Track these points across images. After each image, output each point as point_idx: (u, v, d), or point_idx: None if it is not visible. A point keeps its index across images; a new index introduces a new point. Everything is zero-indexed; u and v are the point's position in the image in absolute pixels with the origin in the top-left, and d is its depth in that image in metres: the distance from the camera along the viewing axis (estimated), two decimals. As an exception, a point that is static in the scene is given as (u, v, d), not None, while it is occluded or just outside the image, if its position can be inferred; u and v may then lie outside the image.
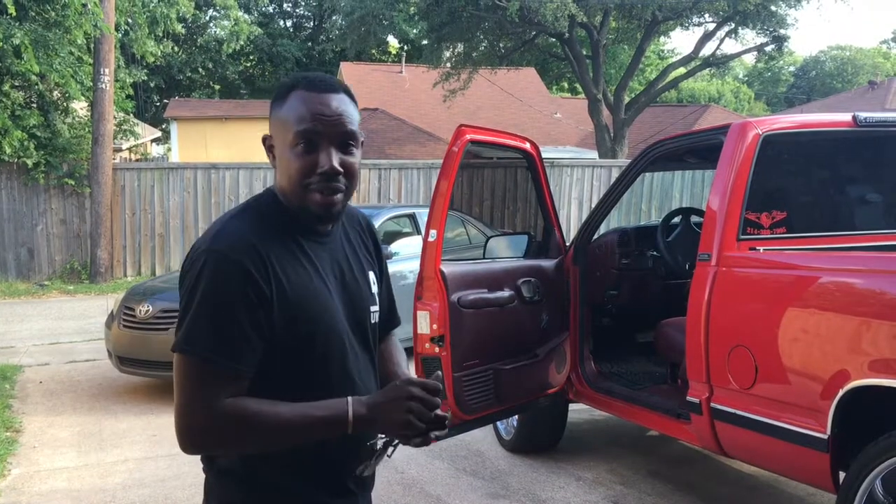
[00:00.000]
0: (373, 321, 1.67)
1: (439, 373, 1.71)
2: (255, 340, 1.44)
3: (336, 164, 1.49)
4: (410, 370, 1.83)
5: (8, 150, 12.39)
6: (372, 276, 1.70)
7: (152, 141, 25.66)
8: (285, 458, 1.51)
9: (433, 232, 4.00)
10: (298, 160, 1.49)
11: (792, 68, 52.73)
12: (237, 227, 1.49)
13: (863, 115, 3.85)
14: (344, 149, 1.51)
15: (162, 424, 5.81)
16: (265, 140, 1.58)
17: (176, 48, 28.38)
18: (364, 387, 1.60)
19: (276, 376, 1.49)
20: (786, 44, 19.93)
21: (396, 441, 1.55)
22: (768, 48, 20.31)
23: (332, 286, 1.56)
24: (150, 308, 6.46)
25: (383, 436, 1.58)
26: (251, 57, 34.28)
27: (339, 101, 1.52)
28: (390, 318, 1.83)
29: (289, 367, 1.50)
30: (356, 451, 1.59)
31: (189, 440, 1.44)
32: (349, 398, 1.47)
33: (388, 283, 1.80)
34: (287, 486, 1.52)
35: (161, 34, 16.96)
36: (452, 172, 4.02)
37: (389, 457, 1.60)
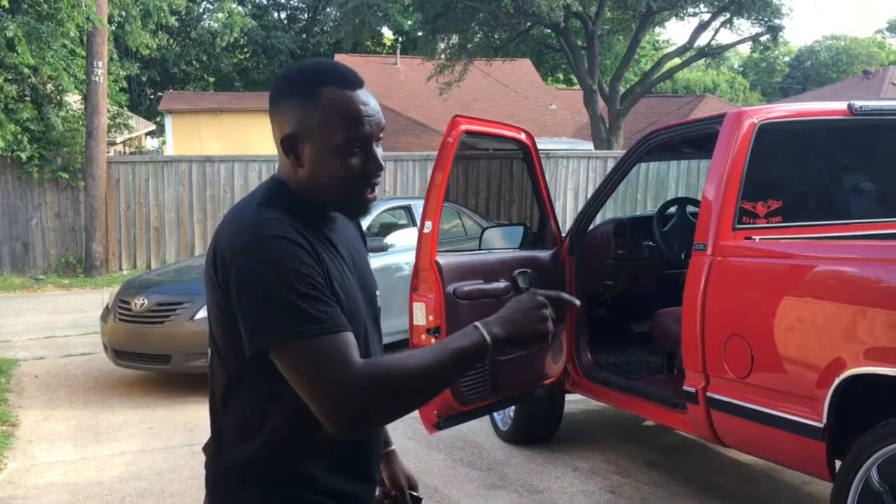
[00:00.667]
0: (379, 304, 1.66)
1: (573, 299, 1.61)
2: (334, 300, 1.38)
3: (381, 161, 1.49)
4: None
5: (1, 144, 12.34)
6: (369, 260, 1.70)
7: (147, 134, 25.61)
8: (304, 449, 1.45)
9: (428, 223, 4.00)
10: (348, 165, 1.45)
11: (787, 58, 52.73)
12: (270, 213, 1.41)
13: (858, 103, 3.85)
14: (378, 143, 1.50)
15: (158, 417, 5.81)
16: (287, 140, 1.46)
17: (170, 41, 28.25)
18: None
19: None
20: (781, 34, 19.95)
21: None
22: (763, 38, 20.32)
23: (351, 270, 1.53)
24: (146, 301, 6.45)
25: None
26: (245, 49, 34.17)
27: (370, 96, 1.48)
28: None
29: None
30: (378, 438, 1.59)
31: (350, 415, 1.32)
32: (475, 323, 1.40)
33: None
34: (307, 476, 1.46)
35: (155, 27, 16.89)
36: (447, 163, 4.01)
37: None
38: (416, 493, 1.75)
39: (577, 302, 1.53)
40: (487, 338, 1.38)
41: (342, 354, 1.33)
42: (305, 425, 1.40)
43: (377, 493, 1.62)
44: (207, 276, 1.44)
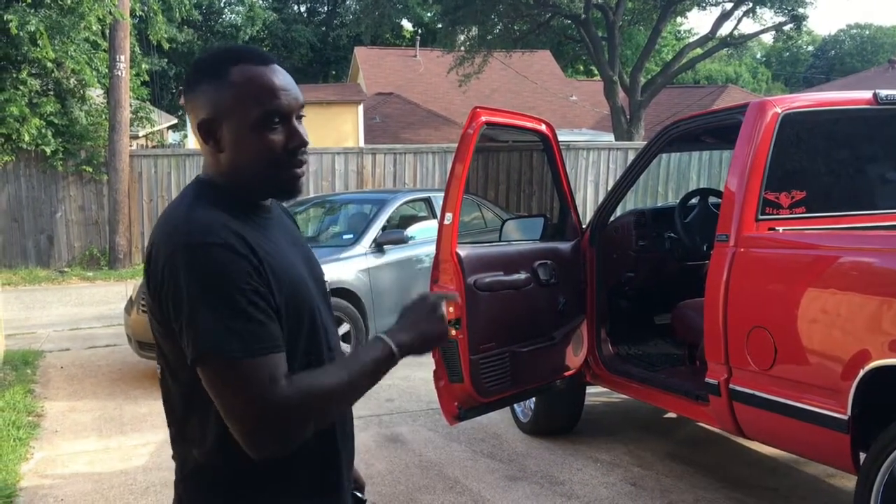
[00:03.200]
0: (328, 290, 1.63)
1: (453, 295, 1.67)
2: (272, 316, 1.34)
3: (304, 136, 1.45)
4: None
5: (26, 138, 12.49)
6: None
7: (169, 128, 25.74)
8: (264, 466, 1.39)
9: (449, 215, 3.99)
10: (266, 139, 1.40)
11: (811, 48, 52.15)
12: (204, 214, 1.36)
13: (884, 92, 3.79)
14: (299, 120, 1.46)
15: (181, 408, 5.85)
16: (203, 125, 1.41)
17: (193, 34, 28.42)
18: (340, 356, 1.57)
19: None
20: (804, 23, 19.74)
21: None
22: (787, 27, 20.12)
23: (296, 258, 1.50)
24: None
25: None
26: (266, 42, 34.28)
27: (284, 72, 1.45)
28: None
29: (287, 343, 1.39)
30: (341, 444, 1.54)
31: (264, 438, 1.31)
32: (380, 334, 1.45)
33: None
34: (271, 486, 1.43)
35: (177, 21, 16.98)
36: (468, 155, 4.01)
37: None
38: (359, 495, 1.68)
39: (457, 296, 1.61)
40: (394, 347, 1.44)
41: (265, 377, 1.30)
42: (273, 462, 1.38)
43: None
44: (144, 285, 1.41)
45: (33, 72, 13.14)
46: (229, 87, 1.40)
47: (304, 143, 1.45)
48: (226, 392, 1.30)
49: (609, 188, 6.08)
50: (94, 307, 10.28)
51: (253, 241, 1.37)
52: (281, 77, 1.43)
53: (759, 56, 53.38)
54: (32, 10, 11.96)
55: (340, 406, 1.44)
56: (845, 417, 3.02)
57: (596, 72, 23.82)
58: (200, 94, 1.43)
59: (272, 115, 1.41)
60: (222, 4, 31.97)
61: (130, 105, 14.17)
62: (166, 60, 25.82)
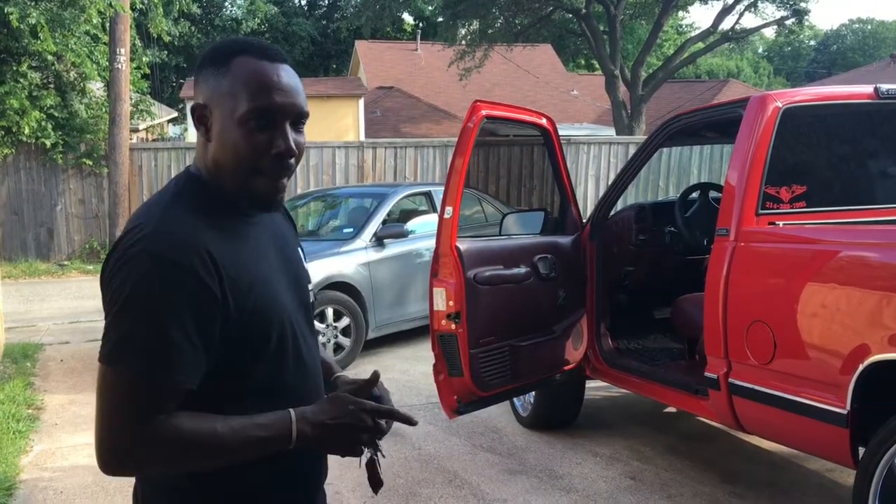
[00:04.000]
0: (312, 299, 1.57)
1: (377, 371, 1.51)
2: (200, 350, 1.28)
3: (293, 144, 1.36)
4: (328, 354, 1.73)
5: (26, 131, 12.48)
6: (301, 252, 1.60)
7: (169, 121, 25.72)
8: (239, 474, 1.38)
9: (448, 209, 3.99)
10: (251, 137, 1.33)
11: (812, 42, 52.05)
12: (175, 221, 1.31)
13: (885, 87, 3.79)
14: (296, 127, 1.38)
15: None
16: (196, 109, 1.38)
17: (192, 28, 28.37)
18: (314, 369, 1.51)
19: (230, 375, 1.35)
20: (806, 17, 19.70)
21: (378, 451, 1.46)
22: (788, 22, 20.09)
23: (275, 266, 1.44)
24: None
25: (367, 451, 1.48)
26: (266, 36, 34.21)
27: (291, 74, 1.38)
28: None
29: (245, 361, 1.36)
30: (318, 465, 1.53)
31: (112, 462, 1.28)
32: (292, 412, 1.34)
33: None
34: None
35: (177, 14, 16.95)
36: (468, 149, 4.00)
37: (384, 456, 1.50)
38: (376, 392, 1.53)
39: (415, 422, 1.44)
40: (294, 434, 1.33)
41: (147, 406, 1.25)
42: (232, 470, 1.37)
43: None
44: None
45: (33, 64, 13.12)
46: (227, 76, 1.35)
47: (291, 153, 1.36)
48: (107, 399, 1.28)
49: (610, 183, 6.07)
50: (94, 300, 10.26)
51: (220, 256, 1.31)
52: (284, 78, 1.36)
53: (760, 51, 53.28)
54: (33, 3, 11.93)
55: (205, 462, 1.32)
56: (844, 412, 3.02)
57: (597, 66, 23.78)
58: (201, 79, 1.39)
59: (261, 112, 1.33)
60: (223, -2, 31.96)
61: (131, 98, 14.15)
62: (166, 53, 25.79)
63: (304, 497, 1.51)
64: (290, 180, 1.41)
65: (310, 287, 1.57)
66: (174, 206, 1.35)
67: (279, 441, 1.33)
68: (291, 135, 1.36)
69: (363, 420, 1.37)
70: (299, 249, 1.60)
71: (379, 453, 1.46)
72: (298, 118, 1.38)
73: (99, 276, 1.37)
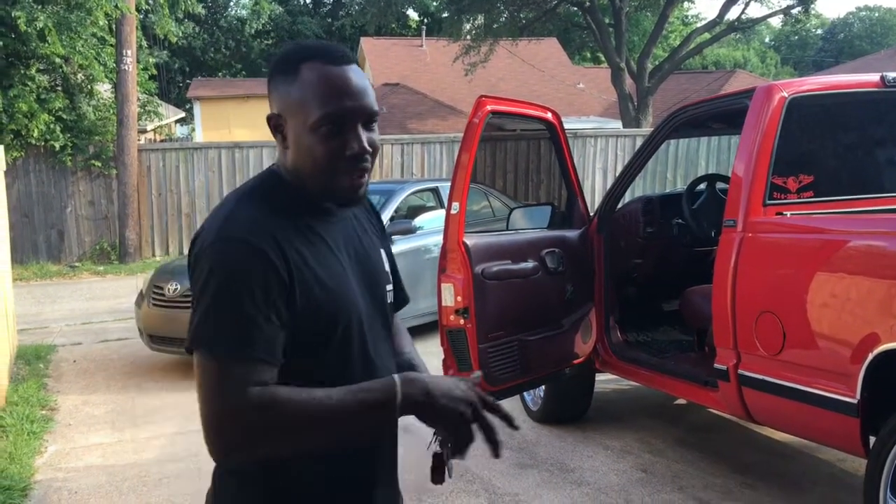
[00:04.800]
0: (389, 300, 1.58)
1: (478, 373, 1.49)
2: (277, 329, 1.31)
3: (366, 145, 1.38)
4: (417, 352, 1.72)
5: (35, 134, 12.54)
6: (383, 254, 1.62)
7: (176, 122, 25.80)
8: (308, 468, 1.40)
9: (455, 204, 4.00)
10: (325, 143, 1.36)
11: (819, 31, 51.76)
12: (247, 211, 1.36)
13: (891, 75, 3.77)
14: (368, 127, 1.39)
15: (193, 400, 5.82)
16: (272, 119, 1.42)
17: (197, 28, 28.44)
18: (385, 370, 1.48)
19: (295, 367, 1.35)
20: (813, 6, 19.57)
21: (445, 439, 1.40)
22: (795, 11, 19.97)
23: (348, 265, 1.45)
24: (179, 286, 6.54)
25: (437, 438, 1.43)
26: (271, 35, 34.28)
27: (359, 75, 1.39)
28: (400, 296, 1.70)
29: (309, 355, 1.38)
30: (383, 463, 1.52)
31: (219, 445, 1.28)
32: (395, 376, 1.33)
33: (394, 263, 1.68)
34: (307, 497, 1.42)
35: (182, 14, 16.99)
36: (473, 144, 4.01)
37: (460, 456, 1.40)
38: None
39: (516, 427, 1.42)
40: (399, 397, 1.30)
41: (238, 382, 1.27)
42: (304, 461, 1.38)
43: None
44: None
45: (41, 68, 13.17)
46: (296, 85, 1.38)
47: (365, 152, 1.39)
48: (201, 385, 1.30)
49: (617, 175, 6.07)
50: (106, 301, 10.34)
51: (290, 246, 1.35)
52: (351, 80, 1.38)
53: (767, 40, 53.02)
54: (40, 7, 11.97)
55: (316, 432, 1.31)
56: (855, 401, 3.02)
57: (603, 59, 23.72)
58: (273, 88, 1.42)
59: (332, 118, 1.35)
60: (229, -1, 32.02)
61: (138, 99, 14.19)
62: (168, 54, 25.84)
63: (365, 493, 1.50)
64: (370, 176, 1.44)
65: (388, 288, 1.58)
66: (248, 198, 1.40)
67: (384, 405, 1.30)
68: (364, 134, 1.38)
69: (471, 401, 1.35)
70: (382, 252, 1.61)
71: (452, 450, 1.39)
72: (369, 118, 1.40)
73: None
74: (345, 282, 1.43)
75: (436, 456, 1.43)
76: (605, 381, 5.48)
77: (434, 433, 1.43)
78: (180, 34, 16.88)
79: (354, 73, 1.39)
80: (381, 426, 1.41)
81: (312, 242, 1.40)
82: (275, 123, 1.42)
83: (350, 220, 1.53)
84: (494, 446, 1.39)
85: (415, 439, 1.56)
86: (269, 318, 1.30)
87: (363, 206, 1.61)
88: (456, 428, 1.35)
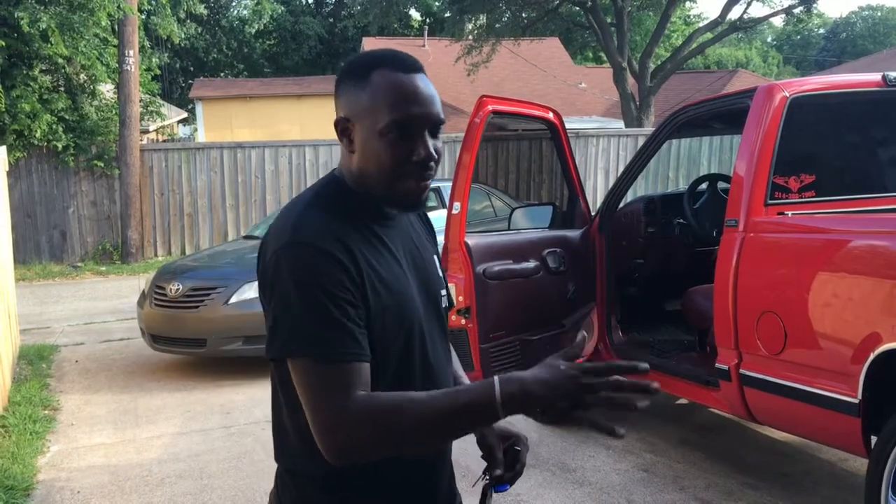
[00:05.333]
0: (444, 305, 1.59)
1: (584, 334, 1.46)
2: (361, 326, 1.33)
3: (433, 151, 1.40)
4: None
5: (38, 134, 12.55)
6: (436, 260, 1.63)
7: (179, 122, 25.82)
8: (368, 473, 1.41)
9: (457, 204, 4.01)
10: (393, 148, 1.38)
11: (822, 31, 51.70)
12: (314, 216, 1.38)
13: (893, 74, 3.77)
14: (434, 134, 1.42)
15: (195, 400, 5.90)
16: (340, 123, 1.44)
17: (199, 29, 28.46)
18: (443, 374, 1.52)
19: None
20: (815, 5, 19.54)
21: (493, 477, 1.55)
22: (797, 10, 19.94)
23: (408, 270, 1.47)
24: (181, 287, 6.54)
25: (486, 476, 1.56)
26: (273, 35, 34.30)
27: (427, 84, 1.42)
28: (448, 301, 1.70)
29: (374, 359, 1.37)
30: (443, 470, 1.56)
31: (334, 448, 1.30)
32: (496, 378, 1.29)
33: (442, 268, 1.70)
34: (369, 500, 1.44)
35: (184, 15, 17.00)
36: (475, 144, 4.02)
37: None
38: (516, 448, 1.64)
39: (656, 385, 1.28)
40: (497, 395, 1.26)
41: (342, 384, 1.29)
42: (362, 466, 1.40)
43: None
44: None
45: (44, 68, 13.19)
46: (367, 90, 1.40)
47: (431, 158, 1.41)
48: (304, 392, 1.31)
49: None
50: (108, 301, 10.35)
51: (357, 250, 1.37)
52: (420, 88, 1.40)
53: (769, 40, 52.98)
54: (42, 7, 11.99)
55: (418, 438, 1.32)
56: (856, 401, 3.02)
57: (605, 58, 23.70)
58: (342, 92, 1.45)
59: (402, 124, 1.38)
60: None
61: (140, 100, 14.21)
62: (170, 55, 25.86)
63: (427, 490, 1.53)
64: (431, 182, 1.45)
65: (443, 293, 1.59)
66: (313, 204, 1.42)
67: (487, 405, 1.26)
68: (430, 142, 1.41)
69: (573, 384, 1.27)
70: (434, 257, 1.62)
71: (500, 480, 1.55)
72: (436, 126, 1.42)
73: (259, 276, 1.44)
74: (407, 287, 1.45)
75: (484, 490, 1.58)
76: (607, 380, 5.47)
77: (483, 470, 1.57)
78: (183, 35, 16.87)
79: (423, 82, 1.41)
80: (483, 426, 1.45)
81: (376, 247, 1.42)
82: (342, 127, 1.44)
83: (407, 226, 1.56)
84: (628, 406, 1.29)
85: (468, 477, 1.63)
86: (355, 318, 1.33)
87: (420, 216, 1.65)
88: (568, 415, 1.30)
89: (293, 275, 1.32)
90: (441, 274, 1.62)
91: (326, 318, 1.30)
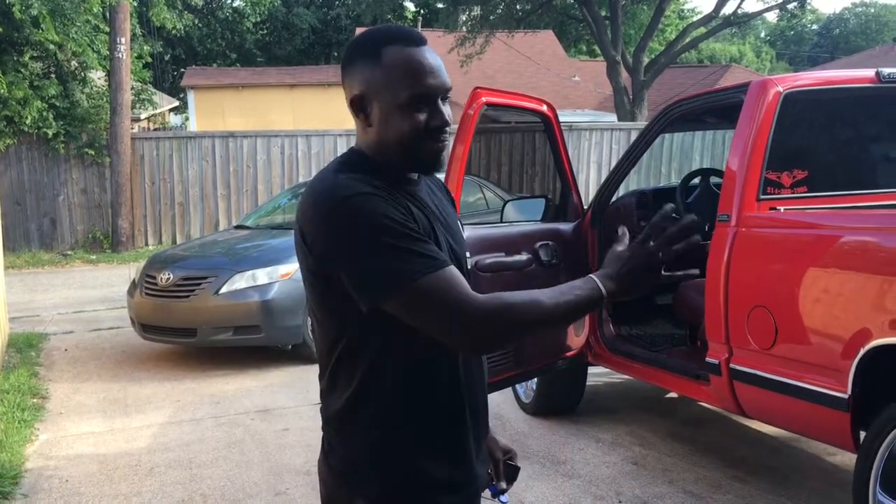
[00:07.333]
0: (468, 267, 1.68)
1: (668, 206, 1.60)
2: (433, 242, 1.46)
3: (447, 117, 1.51)
4: None
5: (28, 121, 12.48)
6: (459, 223, 1.71)
7: (170, 110, 25.70)
8: (412, 432, 1.51)
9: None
10: (411, 118, 1.47)
11: (815, 26, 51.80)
12: (348, 176, 1.46)
13: (886, 70, 3.77)
14: (444, 101, 1.52)
15: (185, 390, 5.89)
16: (356, 100, 1.51)
17: (195, 20, 28.30)
18: None
19: (389, 326, 1.44)
20: (808, 1, 19.56)
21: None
22: (791, 6, 19.99)
23: (440, 226, 1.56)
24: (171, 276, 6.52)
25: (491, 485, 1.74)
26: (266, 25, 34.12)
27: (434, 55, 1.51)
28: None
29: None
30: (479, 433, 1.65)
31: (474, 342, 1.43)
32: (592, 276, 1.49)
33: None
34: (415, 459, 1.51)
35: (180, 7, 16.91)
36: (468, 136, 4.00)
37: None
38: (513, 463, 1.81)
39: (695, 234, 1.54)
40: (603, 291, 1.46)
41: (458, 283, 1.40)
42: (409, 405, 1.49)
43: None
44: (297, 247, 1.50)
45: (35, 54, 13.10)
46: (382, 67, 1.47)
47: (447, 124, 1.51)
48: (428, 309, 1.40)
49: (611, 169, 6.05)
50: (98, 290, 10.31)
51: (399, 198, 1.46)
52: (431, 59, 1.49)
53: (763, 35, 53.05)
54: (34, -7, 11.91)
55: (540, 325, 1.47)
56: (846, 396, 3.03)
57: (599, 52, 23.69)
58: (356, 71, 1.51)
59: (420, 96, 1.47)
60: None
61: (132, 88, 14.14)
62: (161, 43, 25.72)
63: (466, 468, 1.59)
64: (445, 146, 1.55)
65: (468, 255, 1.69)
66: (341, 170, 1.49)
67: (592, 300, 1.47)
68: (444, 109, 1.51)
69: (649, 251, 1.49)
70: (459, 222, 1.71)
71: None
72: (446, 93, 1.52)
73: (301, 247, 1.49)
74: (443, 241, 1.54)
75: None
76: (598, 374, 5.49)
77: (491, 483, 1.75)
78: (177, 24, 16.74)
79: (431, 54, 1.51)
80: (591, 312, 1.59)
81: (413, 202, 1.51)
82: (359, 104, 1.51)
83: (428, 190, 1.63)
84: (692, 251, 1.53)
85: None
86: (425, 236, 1.44)
87: (436, 182, 1.72)
88: (654, 285, 1.53)
89: (359, 224, 1.39)
90: (464, 238, 1.70)
91: (408, 239, 1.39)
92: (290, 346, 6.59)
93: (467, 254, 1.67)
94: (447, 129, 1.52)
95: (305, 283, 1.53)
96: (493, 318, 1.40)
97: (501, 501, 1.75)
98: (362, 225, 1.39)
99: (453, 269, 1.41)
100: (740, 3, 19.95)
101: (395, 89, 1.46)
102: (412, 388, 1.49)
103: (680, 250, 1.49)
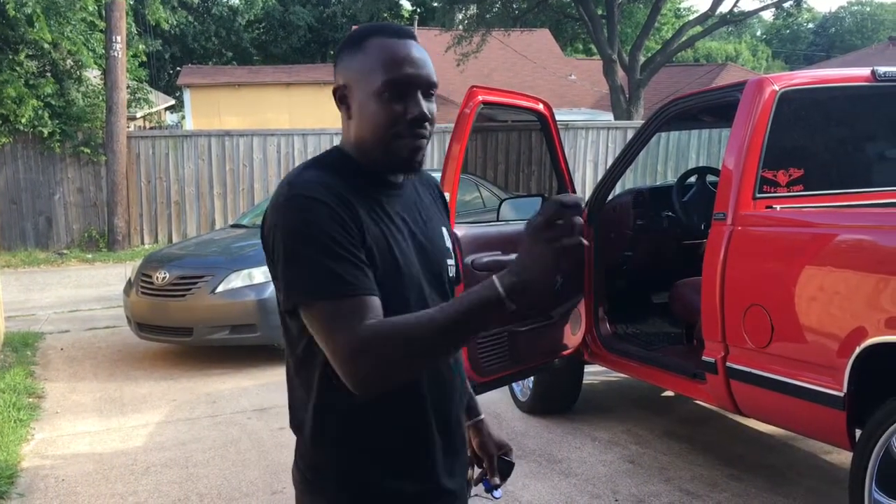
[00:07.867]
0: (450, 274, 1.61)
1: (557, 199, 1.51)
2: (366, 264, 1.37)
3: (426, 111, 1.45)
4: None
5: (23, 120, 12.45)
6: (444, 231, 1.64)
7: (166, 109, 25.64)
8: (377, 450, 1.47)
9: (446, 195, 3.99)
10: (387, 108, 1.43)
11: (811, 25, 51.86)
12: (309, 174, 1.44)
13: (882, 69, 3.78)
14: (427, 97, 1.47)
15: (181, 389, 5.88)
16: (337, 90, 1.49)
17: (189, 17, 28.25)
18: None
19: None
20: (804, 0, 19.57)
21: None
22: (787, 4, 20.02)
23: (407, 236, 1.50)
24: (167, 275, 6.51)
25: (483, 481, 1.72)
26: (262, 23, 34.08)
27: (419, 49, 1.48)
28: (456, 275, 1.70)
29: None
30: (451, 447, 1.56)
31: (355, 378, 1.31)
32: (493, 276, 1.31)
33: (454, 241, 1.71)
34: (377, 476, 1.47)
35: (175, 3, 16.88)
36: (464, 135, 3.99)
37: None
38: (507, 458, 1.78)
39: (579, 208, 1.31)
40: (501, 289, 1.28)
41: (355, 317, 1.31)
42: (367, 422, 1.44)
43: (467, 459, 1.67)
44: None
45: (30, 53, 13.07)
46: (362, 56, 1.46)
47: (425, 117, 1.45)
48: (320, 333, 1.35)
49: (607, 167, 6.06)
50: (94, 289, 10.29)
51: (355, 204, 1.40)
52: (412, 51, 1.46)
53: (759, 34, 53.12)
54: (28, -9, 11.88)
55: (434, 345, 1.32)
56: (841, 394, 3.04)
57: (595, 50, 23.70)
58: (340, 63, 1.50)
59: (395, 84, 1.43)
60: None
61: (128, 86, 14.11)
62: (160, 41, 25.67)
63: (426, 481, 1.52)
64: (428, 143, 1.49)
65: (450, 263, 1.61)
66: (309, 166, 1.48)
67: (488, 302, 1.29)
68: (424, 103, 1.45)
69: (547, 235, 1.28)
70: (443, 228, 1.64)
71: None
72: (428, 88, 1.47)
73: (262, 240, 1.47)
74: (407, 253, 1.48)
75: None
76: (594, 372, 5.49)
77: (480, 475, 1.76)
78: (174, 22, 16.73)
79: (415, 47, 1.47)
80: (494, 323, 1.45)
81: (374, 210, 1.45)
82: (340, 94, 1.49)
83: (412, 194, 1.58)
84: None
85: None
86: (355, 257, 1.36)
87: (428, 184, 1.68)
88: (559, 271, 1.29)
89: (289, 227, 1.36)
90: (449, 245, 1.64)
91: (332, 261, 1.34)
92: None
93: (450, 262, 1.60)
94: (427, 124, 1.46)
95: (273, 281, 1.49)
96: (370, 350, 1.30)
97: (495, 497, 1.73)
98: (293, 230, 1.36)
99: (363, 301, 1.33)
100: (736, 2, 19.91)
101: (372, 75, 1.43)
102: (368, 406, 1.42)
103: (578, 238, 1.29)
